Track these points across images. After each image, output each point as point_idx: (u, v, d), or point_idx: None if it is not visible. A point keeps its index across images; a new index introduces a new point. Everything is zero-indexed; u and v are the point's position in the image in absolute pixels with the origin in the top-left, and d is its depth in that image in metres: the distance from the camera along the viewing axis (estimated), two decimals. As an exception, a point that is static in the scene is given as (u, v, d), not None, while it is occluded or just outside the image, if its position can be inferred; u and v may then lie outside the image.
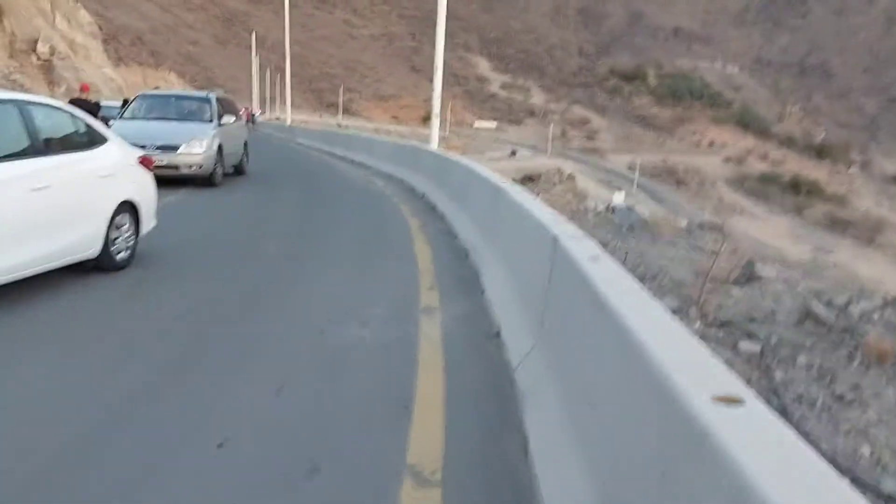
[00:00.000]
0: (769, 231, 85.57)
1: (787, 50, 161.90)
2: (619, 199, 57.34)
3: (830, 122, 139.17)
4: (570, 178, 53.33)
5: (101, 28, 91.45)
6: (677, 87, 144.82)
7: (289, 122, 48.69)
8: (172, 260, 6.48)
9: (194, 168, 12.04)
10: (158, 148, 11.77)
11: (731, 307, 7.02)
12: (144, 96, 13.54)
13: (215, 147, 12.42)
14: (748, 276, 8.39)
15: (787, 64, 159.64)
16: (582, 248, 3.50)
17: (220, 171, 12.76)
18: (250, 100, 79.66)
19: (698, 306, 6.67)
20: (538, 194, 15.75)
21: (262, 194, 12.60)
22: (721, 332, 5.87)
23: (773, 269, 8.81)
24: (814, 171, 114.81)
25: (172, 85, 64.83)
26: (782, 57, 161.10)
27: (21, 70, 26.28)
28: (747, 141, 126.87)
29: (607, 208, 15.86)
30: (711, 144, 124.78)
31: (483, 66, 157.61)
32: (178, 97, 13.80)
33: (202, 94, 13.76)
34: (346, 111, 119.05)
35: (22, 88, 25.21)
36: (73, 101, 16.45)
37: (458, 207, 9.40)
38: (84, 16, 40.43)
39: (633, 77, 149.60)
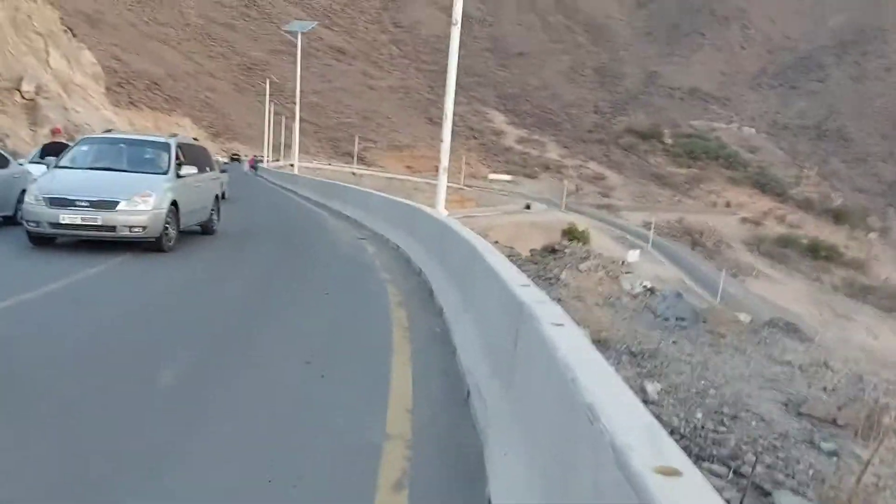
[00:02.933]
0: (788, 295, 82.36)
1: (805, 114, 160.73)
2: (633, 257, 55.05)
3: (848, 186, 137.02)
4: (585, 235, 51.05)
5: (116, 71, 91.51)
6: (693, 146, 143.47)
7: (296, 170, 46.79)
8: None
9: (137, 230, 9.64)
10: (92, 205, 9.43)
11: None
12: (89, 140, 11.26)
13: (167, 204, 10.04)
14: (876, 423, 5.77)
15: (804, 127, 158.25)
16: None
17: (172, 232, 10.36)
18: (263, 146, 78.72)
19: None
20: (564, 270, 13.35)
21: (220, 265, 10.12)
22: None
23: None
24: (832, 235, 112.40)
25: (186, 132, 63.58)
26: (799, 120, 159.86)
27: (1, 109, 24.43)
28: (764, 202, 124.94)
29: (646, 290, 13.28)
30: (728, 205, 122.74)
31: (499, 119, 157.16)
32: (130, 142, 11.47)
33: (161, 138, 11.45)
34: (362, 160, 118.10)
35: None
36: (48, 146, 14.21)
37: (460, 299, 6.90)
38: (87, 56, 39.18)
39: (649, 135, 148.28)
